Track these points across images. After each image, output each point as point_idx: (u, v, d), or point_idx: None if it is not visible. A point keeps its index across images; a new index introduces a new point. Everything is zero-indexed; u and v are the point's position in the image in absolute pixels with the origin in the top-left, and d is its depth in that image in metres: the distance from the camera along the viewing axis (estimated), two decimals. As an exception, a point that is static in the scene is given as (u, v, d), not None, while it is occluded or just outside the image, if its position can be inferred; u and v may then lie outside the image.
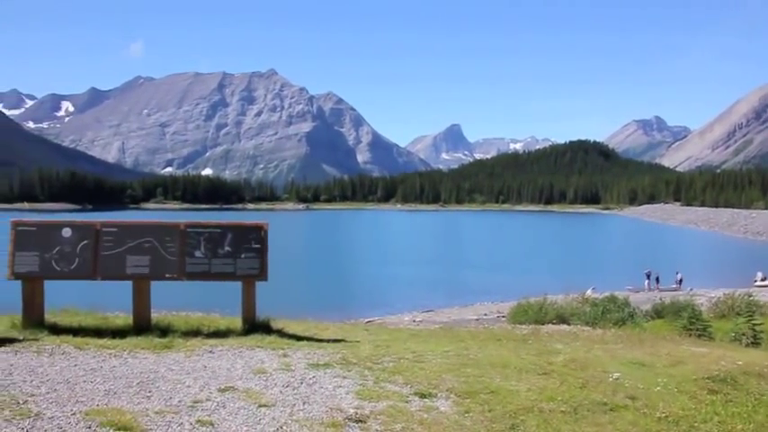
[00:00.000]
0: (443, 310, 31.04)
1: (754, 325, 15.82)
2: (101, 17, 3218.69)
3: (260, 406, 5.68)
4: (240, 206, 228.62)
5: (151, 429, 4.98)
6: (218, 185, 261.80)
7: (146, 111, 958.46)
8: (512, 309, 25.80)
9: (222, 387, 6.23)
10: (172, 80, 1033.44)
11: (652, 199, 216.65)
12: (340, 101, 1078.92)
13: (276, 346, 8.42)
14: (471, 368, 7.58)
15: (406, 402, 6.02)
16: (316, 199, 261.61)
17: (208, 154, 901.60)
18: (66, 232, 8.95)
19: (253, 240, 9.43)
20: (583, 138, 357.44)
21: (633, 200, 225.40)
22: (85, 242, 8.95)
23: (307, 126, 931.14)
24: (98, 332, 8.65)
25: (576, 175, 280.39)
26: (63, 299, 10.25)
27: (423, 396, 6.25)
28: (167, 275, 9.14)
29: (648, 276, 41.23)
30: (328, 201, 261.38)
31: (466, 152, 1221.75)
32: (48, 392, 5.79)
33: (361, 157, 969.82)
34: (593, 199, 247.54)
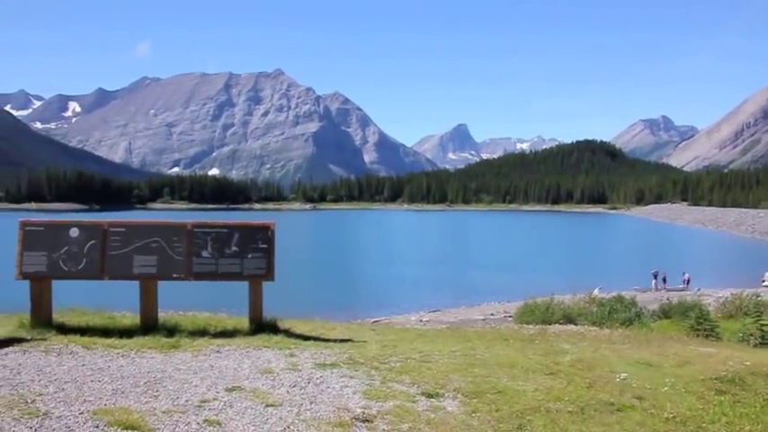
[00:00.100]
0: (450, 310, 31.03)
1: (762, 325, 15.78)
2: (107, 17, 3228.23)
3: (267, 406, 5.68)
4: (247, 206, 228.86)
5: (159, 429, 4.98)
6: (225, 185, 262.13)
7: (152, 111, 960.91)
8: (518, 309, 25.75)
9: (229, 387, 6.24)
10: (178, 80, 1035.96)
11: (659, 199, 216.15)
12: (347, 101, 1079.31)
13: (283, 346, 8.42)
14: (478, 368, 7.58)
15: (414, 402, 6.01)
16: (322, 199, 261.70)
17: (214, 154, 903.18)
18: (74, 232, 8.97)
19: (260, 240, 9.44)
20: (590, 137, 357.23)
21: (640, 200, 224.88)
22: (93, 242, 8.98)
23: (313, 126, 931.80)
24: (105, 332, 8.67)
25: (583, 175, 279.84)
26: (70, 298, 10.28)
27: (430, 396, 6.24)
28: (174, 275, 9.16)
29: (656, 276, 41.11)
30: (335, 201, 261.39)
31: (473, 152, 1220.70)
32: (56, 392, 5.80)
33: (368, 157, 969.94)
34: (600, 199, 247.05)
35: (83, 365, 6.87)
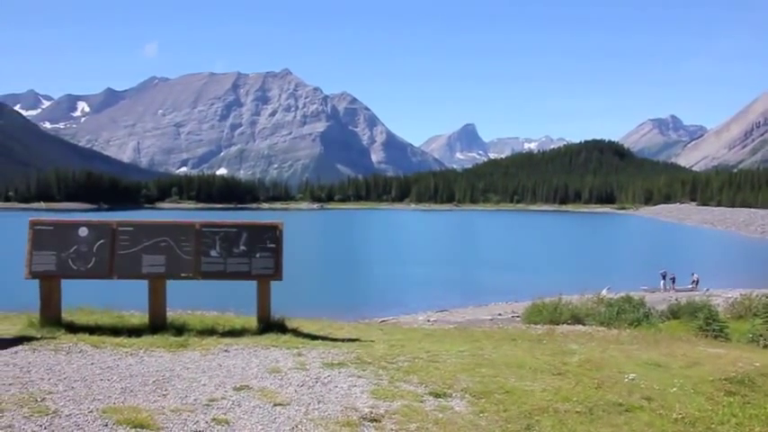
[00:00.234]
0: (458, 310, 31.00)
1: (772, 326, 15.71)
2: (116, 17, 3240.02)
3: (275, 405, 5.70)
4: (255, 206, 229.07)
5: (167, 427, 5.00)
6: (233, 185, 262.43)
7: (161, 111, 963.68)
8: (526, 309, 25.71)
9: (237, 386, 6.25)
10: (186, 80, 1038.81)
11: (668, 199, 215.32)
12: (354, 100, 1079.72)
13: (291, 346, 8.43)
14: (486, 368, 7.57)
15: (421, 402, 6.01)
16: (330, 199, 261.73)
17: (222, 154, 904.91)
18: (83, 232, 9.01)
19: (268, 240, 9.45)
20: (598, 137, 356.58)
21: (649, 200, 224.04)
22: (102, 241, 9.01)
23: (321, 126, 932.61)
24: (114, 331, 8.71)
25: (591, 175, 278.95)
26: (79, 298, 10.32)
27: (437, 396, 6.24)
28: (183, 275, 9.18)
29: (664, 277, 40.96)
30: (342, 200, 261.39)
31: (480, 152, 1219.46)
32: (65, 390, 5.83)
33: (376, 156, 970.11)
34: (608, 199, 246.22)
35: (92, 364, 6.90)
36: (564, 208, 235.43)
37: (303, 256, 52.46)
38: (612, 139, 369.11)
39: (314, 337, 9.31)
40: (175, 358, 7.42)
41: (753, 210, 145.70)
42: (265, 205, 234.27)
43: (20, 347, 7.55)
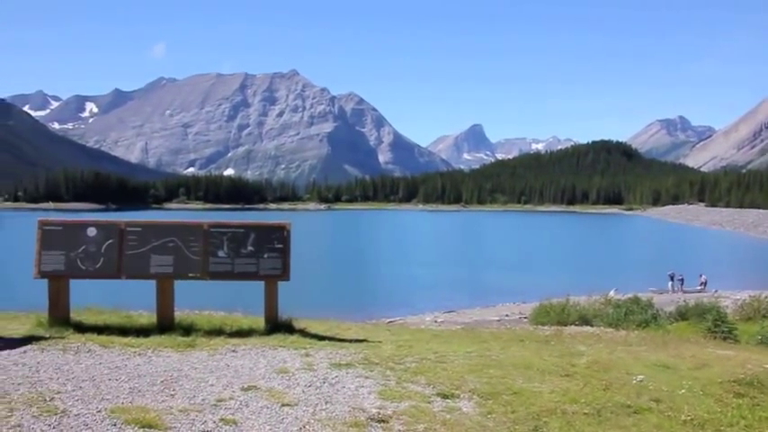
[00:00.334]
0: (465, 311, 30.96)
1: (781, 327, 15.63)
2: (123, 18, 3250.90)
3: (283, 405, 5.70)
4: (262, 206, 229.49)
5: (175, 427, 5.01)
6: (240, 186, 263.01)
7: (168, 111, 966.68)
8: (534, 310, 25.67)
9: (245, 386, 6.26)
10: (194, 81, 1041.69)
11: (676, 200, 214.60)
12: (361, 101, 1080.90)
13: (298, 346, 8.44)
14: (494, 369, 7.56)
15: (429, 403, 6.01)
16: (337, 199, 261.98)
17: (230, 154, 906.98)
18: (92, 232, 9.04)
19: (275, 240, 9.46)
20: (605, 138, 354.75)
21: (657, 200, 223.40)
22: (110, 241, 9.04)
23: (328, 126, 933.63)
24: (122, 331, 8.73)
25: (599, 176, 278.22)
26: (88, 297, 10.36)
27: (445, 397, 6.23)
28: (191, 275, 9.20)
29: (672, 278, 40.80)
30: (350, 201, 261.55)
31: (488, 152, 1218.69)
32: (73, 390, 5.85)
33: (383, 157, 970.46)
34: (615, 199, 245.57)
35: (100, 364, 6.92)
36: (571, 209, 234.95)
37: (311, 257, 52.50)
38: (620, 140, 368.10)
39: (321, 338, 9.32)
40: (183, 358, 7.43)
41: (762, 211, 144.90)
42: (273, 206, 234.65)
43: (29, 347, 7.58)
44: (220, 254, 9.28)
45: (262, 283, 9.53)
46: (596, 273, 46.64)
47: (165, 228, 9.32)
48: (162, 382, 6.30)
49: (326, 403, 5.85)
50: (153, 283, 9.17)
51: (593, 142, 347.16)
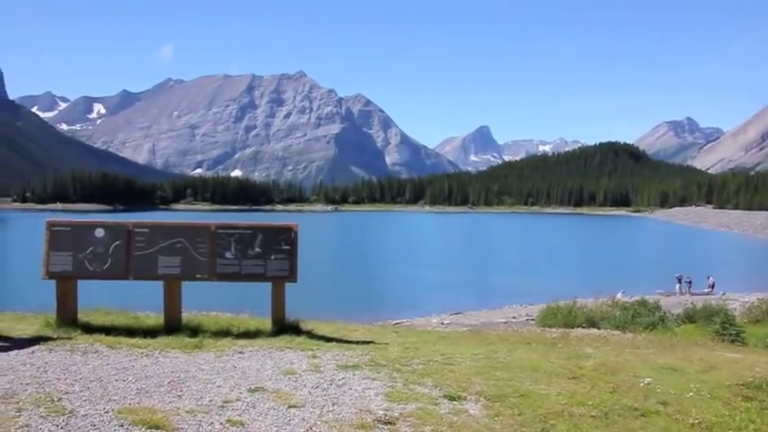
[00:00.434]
0: (472, 313, 30.94)
1: (790, 330, 15.56)
2: (131, 19, 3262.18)
3: (289, 407, 5.70)
4: (269, 207, 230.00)
5: (182, 428, 5.02)
6: (248, 187, 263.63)
7: (176, 113, 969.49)
8: (541, 312, 25.64)
9: (252, 387, 6.26)
10: (201, 82, 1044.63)
11: (683, 201, 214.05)
12: (368, 102, 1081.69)
13: (305, 348, 8.44)
14: (501, 371, 7.55)
15: (436, 405, 6.00)
16: (344, 200, 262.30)
17: (237, 155, 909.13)
18: (99, 233, 9.06)
19: (283, 242, 9.46)
20: (613, 139, 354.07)
21: (664, 202, 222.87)
22: (118, 242, 9.05)
23: (335, 128, 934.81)
24: (130, 331, 8.74)
25: (606, 178, 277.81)
26: (95, 298, 10.39)
27: (452, 399, 6.22)
28: (198, 276, 9.21)
29: (680, 280, 40.69)
30: (356, 202, 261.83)
31: (495, 154, 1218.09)
32: (81, 390, 5.86)
33: (390, 158, 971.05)
34: (623, 201, 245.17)
35: (107, 365, 6.94)
36: (578, 211, 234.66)
37: (318, 258, 52.53)
38: (628, 142, 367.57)
39: (328, 339, 9.31)
40: (190, 359, 7.44)
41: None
42: (279, 207, 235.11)
43: (36, 347, 7.60)
44: (228, 255, 9.30)
45: (269, 285, 9.53)
46: (603, 275, 46.54)
47: (172, 229, 9.33)
48: (169, 383, 6.31)
49: (333, 405, 5.85)
50: (160, 284, 9.18)
51: (601, 144, 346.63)
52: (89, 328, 8.71)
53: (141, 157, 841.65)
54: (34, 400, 5.44)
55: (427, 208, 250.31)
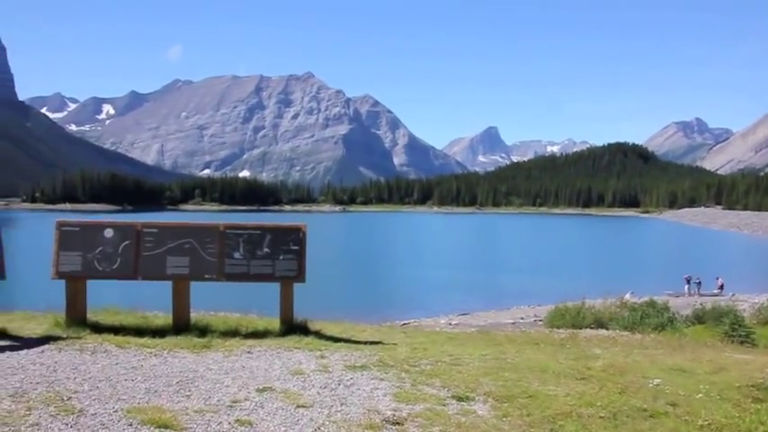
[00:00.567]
0: (479, 314, 30.88)
1: (800, 332, 15.48)
2: (140, 20, 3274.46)
3: (298, 407, 5.70)
4: (277, 208, 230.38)
5: (191, 428, 5.03)
6: (256, 187, 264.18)
7: (184, 113, 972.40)
8: (549, 313, 25.57)
9: (260, 387, 6.27)
10: (210, 83, 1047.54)
11: (692, 202, 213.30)
12: (376, 103, 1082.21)
13: (314, 348, 8.44)
14: (509, 372, 7.53)
15: (444, 405, 5.99)
16: (352, 201, 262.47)
17: (245, 156, 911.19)
18: (109, 233, 9.09)
19: (291, 242, 9.47)
20: (621, 140, 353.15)
21: (673, 203, 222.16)
22: (127, 242, 9.09)
23: (343, 128, 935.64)
24: (138, 331, 8.77)
25: (615, 178, 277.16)
26: (104, 298, 10.42)
27: (460, 399, 6.21)
28: (207, 276, 9.23)
29: (688, 281, 40.51)
30: (364, 203, 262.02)
31: (503, 155, 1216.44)
32: (90, 390, 5.89)
33: (398, 159, 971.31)
34: (631, 202, 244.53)
35: (116, 364, 6.96)
36: (587, 211, 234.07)
37: (326, 259, 52.52)
38: (636, 142, 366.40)
39: (336, 340, 9.32)
40: (199, 359, 7.46)
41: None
42: (288, 207, 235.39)
43: (46, 347, 7.65)
44: (236, 255, 9.31)
45: (277, 285, 9.55)
46: (612, 276, 46.41)
47: (181, 229, 9.36)
48: (178, 382, 6.33)
49: (341, 405, 5.85)
50: (169, 284, 9.21)
51: (609, 144, 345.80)
52: (98, 328, 8.75)
53: (150, 158, 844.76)
54: (44, 399, 5.47)
55: (435, 209, 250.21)
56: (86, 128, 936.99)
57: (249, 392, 6.09)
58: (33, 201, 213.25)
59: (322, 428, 5.21)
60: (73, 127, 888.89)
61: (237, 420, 5.25)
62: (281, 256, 9.39)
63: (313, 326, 9.85)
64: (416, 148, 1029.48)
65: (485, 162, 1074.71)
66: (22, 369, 6.50)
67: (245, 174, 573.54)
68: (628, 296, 31.09)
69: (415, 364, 7.80)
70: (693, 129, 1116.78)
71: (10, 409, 5.18)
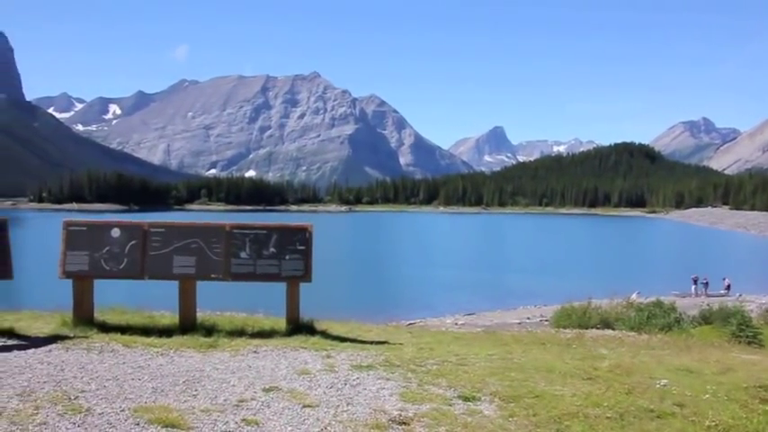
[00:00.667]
0: (485, 314, 30.82)
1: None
2: (146, 20, 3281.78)
3: (304, 406, 5.71)
4: (283, 208, 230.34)
5: (197, 427, 5.04)
6: (262, 187, 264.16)
7: (190, 113, 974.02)
8: (555, 313, 25.49)
9: (267, 387, 6.28)
10: (216, 83, 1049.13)
11: (699, 202, 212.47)
12: (383, 103, 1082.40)
13: (320, 347, 8.46)
14: (515, 372, 7.52)
15: (450, 405, 5.99)
16: (358, 201, 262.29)
17: (251, 156, 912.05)
18: (116, 232, 9.12)
19: (297, 242, 9.49)
20: (628, 140, 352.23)
21: (680, 203, 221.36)
22: (134, 242, 9.11)
23: (349, 128, 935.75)
24: (145, 331, 8.80)
25: (621, 178, 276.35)
26: (111, 298, 10.45)
27: (466, 399, 6.21)
28: (213, 276, 9.25)
29: (695, 281, 40.34)
30: (370, 203, 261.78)
31: (509, 154, 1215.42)
32: (97, 389, 5.91)
33: (404, 159, 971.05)
34: (638, 202, 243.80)
35: (123, 363, 6.99)
36: (593, 211, 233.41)
37: (332, 258, 52.53)
38: (643, 142, 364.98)
39: (342, 339, 9.33)
40: (205, 359, 7.48)
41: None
42: (294, 207, 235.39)
43: (53, 346, 7.68)
44: (243, 255, 9.33)
45: (283, 285, 9.56)
46: (618, 276, 46.28)
47: (187, 229, 9.38)
48: (184, 382, 6.34)
49: (348, 405, 5.86)
50: (175, 283, 9.24)
51: (616, 144, 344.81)
52: (105, 327, 8.78)
53: (156, 158, 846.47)
54: (51, 398, 5.49)
55: (441, 208, 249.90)
56: (93, 128, 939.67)
57: (255, 392, 6.10)
58: (40, 200, 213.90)
59: (328, 428, 5.22)
60: (80, 127, 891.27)
61: (244, 420, 5.26)
62: (287, 256, 9.41)
63: (319, 325, 9.87)
64: (422, 147, 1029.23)
65: (491, 162, 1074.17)
66: (29, 368, 6.53)
67: (251, 174, 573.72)
68: (634, 296, 30.97)
69: (422, 363, 7.80)
70: (700, 128, 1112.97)
71: (18, 407, 5.21)
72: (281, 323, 9.72)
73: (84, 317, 8.85)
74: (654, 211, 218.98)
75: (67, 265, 8.92)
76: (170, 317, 10.00)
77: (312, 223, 9.84)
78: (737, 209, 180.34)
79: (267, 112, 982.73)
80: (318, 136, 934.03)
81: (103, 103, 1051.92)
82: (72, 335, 8.30)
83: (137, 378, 6.40)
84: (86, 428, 4.87)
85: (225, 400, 5.78)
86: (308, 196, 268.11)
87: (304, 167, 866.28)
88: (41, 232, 77.81)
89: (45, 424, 4.86)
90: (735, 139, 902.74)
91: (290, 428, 5.16)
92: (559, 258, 66.57)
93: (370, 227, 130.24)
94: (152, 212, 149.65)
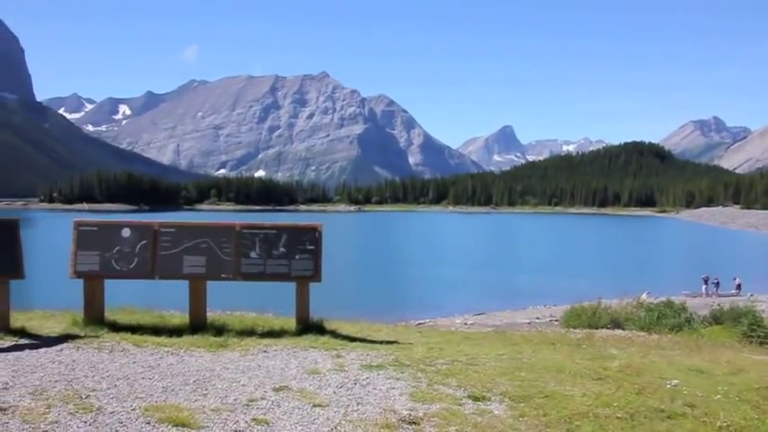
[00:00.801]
0: (495, 314, 30.78)
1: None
2: (156, 21, 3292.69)
3: (314, 406, 5.72)
4: (292, 208, 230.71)
5: (208, 426, 5.06)
6: (271, 187, 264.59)
7: (200, 113, 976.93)
8: (565, 312, 25.41)
9: (277, 386, 6.29)
10: (225, 83, 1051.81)
11: (710, 202, 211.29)
12: (392, 103, 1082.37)
13: (330, 347, 8.46)
14: (525, 372, 7.51)
15: (460, 405, 5.98)
16: (367, 201, 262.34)
17: (260, 156, 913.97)
18: (126, 232, 9.15)
19: (307, 242, 9.50)
20: (638, 139, 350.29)
21: (690, 203, 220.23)
22: (144, 242, 9.14)
23: (358, 128, 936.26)
24: (156, 330, 8.83)
25: (631, 178, 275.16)
26: (122, 297, 10.49)
27: (476, 399, 6.20)
28: (223, 276, 9.28)
29: (706, 281, 40.14)
30: (380, 202, 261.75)
31: (518, 154, 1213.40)
32: (108, 388, 5.94)
33: (413, 158, 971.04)
34: (648, 202, 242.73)
35: (134, 363, 7.02)
36: (603, 211, 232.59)
37: (341, 258, 52.57)
38: (653, 141, 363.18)
39: (352, 339, 9.33)
40: (215, 358, 7.50)
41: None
42: (303, 207, 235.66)
43: (64, 345, 7.72)
44: (252, 255, 9.35)
45: (293, 285, 9.58)
46: (628, 276, 46.14)
47: (197, 229, 9.41)
48: (194, 381, 6.36)
49: (358, 404, 5.86)
50: (186, 283, 9.27)
51: (626, 143, 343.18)
52: (116, 327, 8.82)
53: (166, 158, 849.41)
54: (63, 397, 5.52)
55: (450, 208, 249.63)
56: (103, 128, 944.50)
57: (265, 391, 6.11)
58: (51, 201, 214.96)
59: (338, 428, 5.22)
60: (90, 127, 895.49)
61: (254, 419, 5.27)
62: (296, 256, 9.42)
63: (329, 325, 9.87)
64: (431, 147, 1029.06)
65: (500, 161, 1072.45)
66: (41, 367, 6.57)
67: (260, 173, 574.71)
68: (644, 296, 30.85)
69: (432, 363, 7.79)
70: (711, 127, 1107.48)
71: (30, 406, 5.23)
72: (290, 323, 9.73)
73: (95, 316, 8.89)
74: (664, 211, 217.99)
75: (78, 265, 8.96)
76: (180, 316, 10.03)
77: (322, 223, 9.84)
78: (748, 208, 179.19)
79: (276, 111, 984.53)
80: (327, 136, 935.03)
81: (113, 103, 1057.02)
82: (83, 334, 8.34)
83: (147, 377, 6.42)
84: (97, 427, 4.89)
85: (235, 400, 5.79)
86: (318, 196, 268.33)
87: (313, 167, 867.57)
88: (52, 232, 78.16)
89: (57, 422, 4.89)
90: (746, 138, 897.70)
91: (299, 428, 5.17)
92: (569, 258, 66.41)
93: (379, 227, 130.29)
94: (162, 212, 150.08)
